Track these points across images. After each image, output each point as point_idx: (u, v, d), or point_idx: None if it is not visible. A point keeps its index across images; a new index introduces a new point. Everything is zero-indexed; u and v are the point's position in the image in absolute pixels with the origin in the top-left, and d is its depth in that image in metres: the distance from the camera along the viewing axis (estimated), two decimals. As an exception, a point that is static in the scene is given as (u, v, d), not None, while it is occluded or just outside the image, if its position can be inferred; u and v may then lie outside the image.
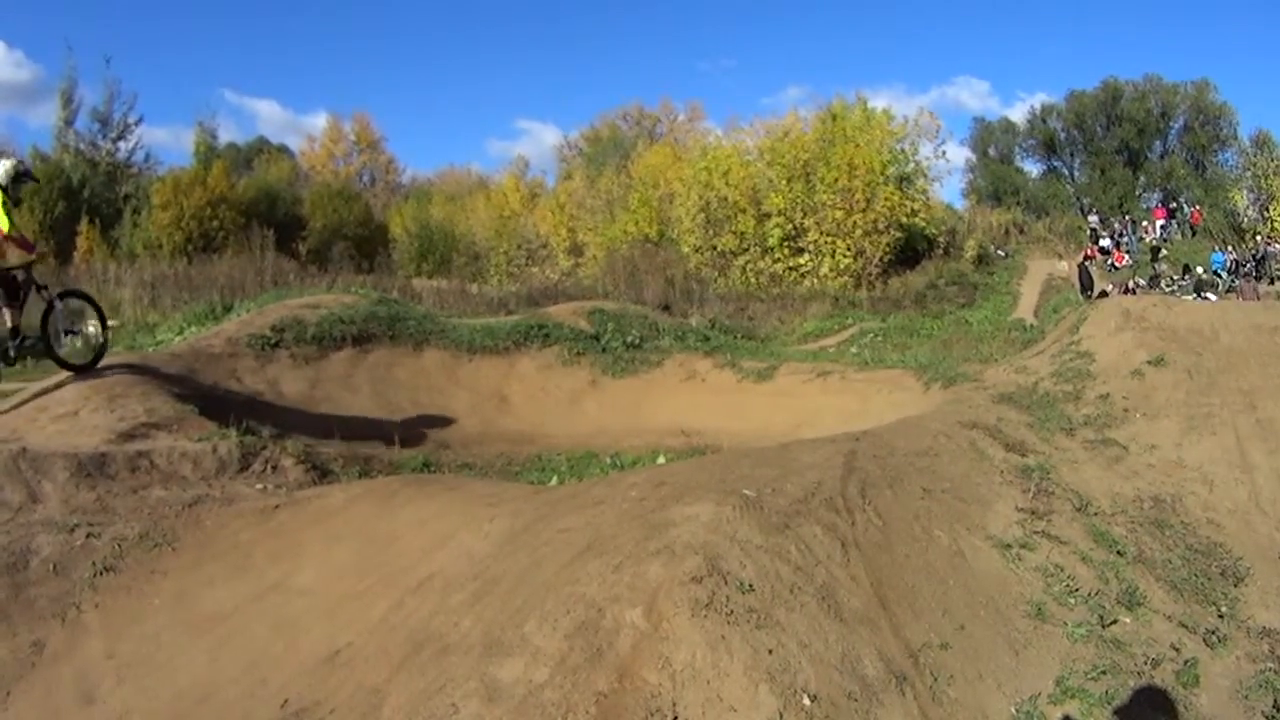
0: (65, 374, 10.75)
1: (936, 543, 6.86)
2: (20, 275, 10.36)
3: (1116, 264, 35.09)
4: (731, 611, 4.93)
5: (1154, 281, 30.92)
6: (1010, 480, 8.75)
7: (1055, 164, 54.42)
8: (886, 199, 33.61)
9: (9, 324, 10.20)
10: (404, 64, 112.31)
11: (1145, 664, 6.24)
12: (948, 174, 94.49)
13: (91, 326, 11.36)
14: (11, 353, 10.31)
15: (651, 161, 44.70)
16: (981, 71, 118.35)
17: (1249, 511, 9.47)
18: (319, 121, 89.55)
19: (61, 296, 10.94)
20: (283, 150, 63.61)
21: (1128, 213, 44.42)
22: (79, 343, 11.21)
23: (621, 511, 6.40)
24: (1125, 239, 38.71)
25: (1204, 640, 6.91)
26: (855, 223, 33.37)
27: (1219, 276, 30.84)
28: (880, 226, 33.66)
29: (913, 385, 14.62)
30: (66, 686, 6.19)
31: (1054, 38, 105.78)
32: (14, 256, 10.27)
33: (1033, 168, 55.61)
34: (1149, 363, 12.33)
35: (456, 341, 15.83)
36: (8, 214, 10.13)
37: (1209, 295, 26.24)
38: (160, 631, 6.66)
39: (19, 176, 10.51)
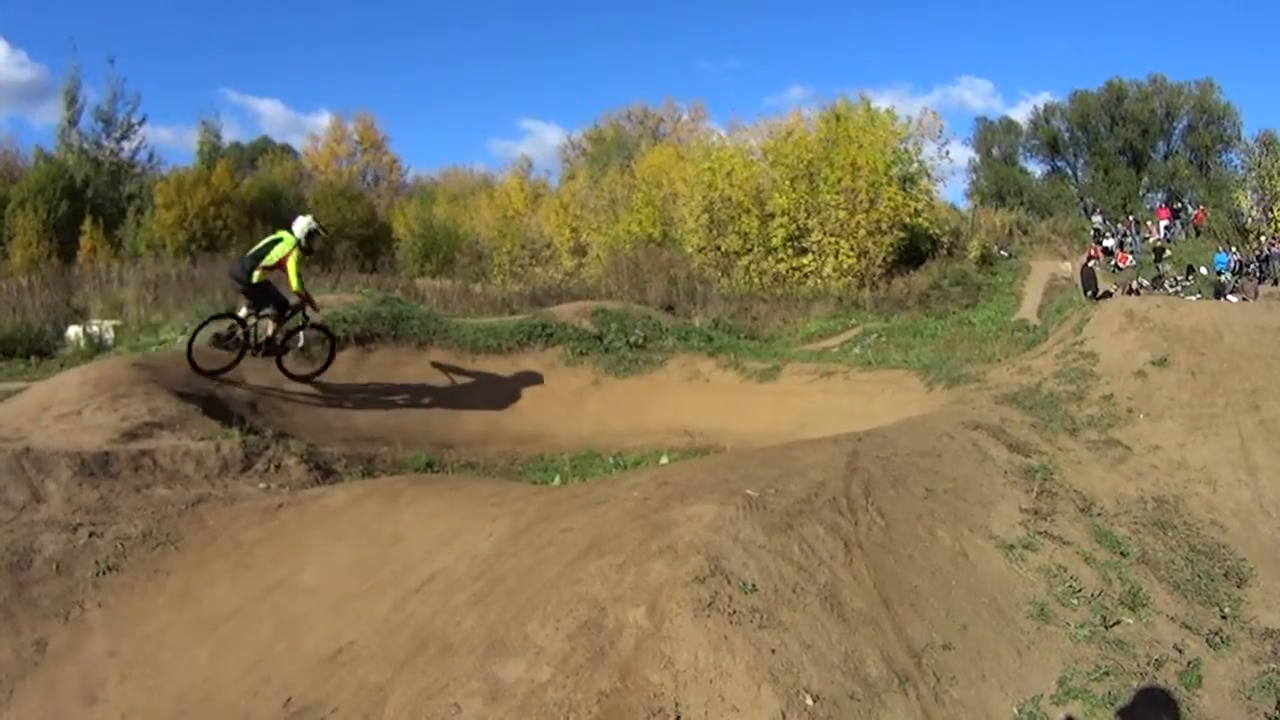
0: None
1: (939, 543, 6.86)
2: (293, 307, 12.81)
3: (1120, 265, 35.05)
4: (734, 611, 4.94)
5: (1157, 282, 30.87)
6: (1013, 480, 8.76)
7: (1059, 164, 54.42)
8: (890, 199, 33.52)
9: (269, 332, 12.64)
10: (407, 63, 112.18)
11: (1148, 665, 6.24)
12: (951, 174, 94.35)
13: (318, 352, 13.57)
14: (260, 351, 12.67)
15: (655, 161, 44.59)
16: (985, 71, 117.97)
17: (1252, 512, 9.47)
18: (322, 121, 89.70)
19: (312, 326, 13.18)
20: (286, 150, 63.60)
21: (1131, 213, 44.31)
22: (305, 363, 13.39)
23: (624, 511, 6.40)
24: (1129, 239, 38.66)
25: (1207, 641, 6.91)
26: (859, 223, 33.28)
27: (1221, 277, 30.81)
28: (884, 227, 33.56)
29: (916, 386, 14.61)
30: (69, 685, 6.20)
31: (1058, 38, 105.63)
32: (294, 299, 12.70)
33: (1036, 168, 55.62)
34: (1152, 363, 12.33)
35: (460, 341, 15.81)
36: (299, 275, 12.45)
37: (1230, 297, 26.19)
38: (163, 630, 6.66)
39: (312, 234, 12.78)
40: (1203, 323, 13.43)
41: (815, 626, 5.10)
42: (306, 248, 12.71)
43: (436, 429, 13.59)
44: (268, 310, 12.59)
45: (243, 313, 12.56)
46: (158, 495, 8.52)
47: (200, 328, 12.72)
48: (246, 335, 12.53)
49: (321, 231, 13.14)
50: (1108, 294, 24.61)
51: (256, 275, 12.30)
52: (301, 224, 12.73)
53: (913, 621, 5.63)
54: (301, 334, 13.06)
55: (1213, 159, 48.26)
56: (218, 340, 12.55)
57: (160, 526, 7.76)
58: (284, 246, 12.44)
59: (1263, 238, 35.23)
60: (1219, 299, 26.02)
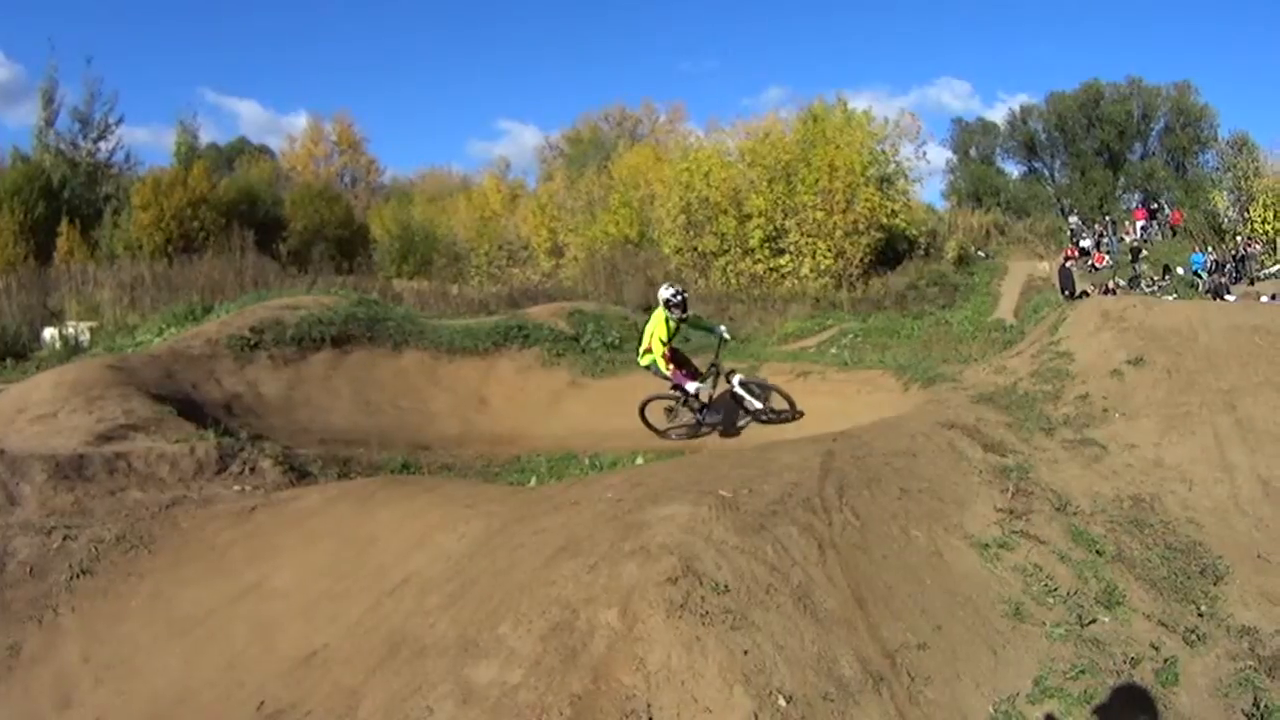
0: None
1: (914, 543, 6.87)
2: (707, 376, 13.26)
3: (1096, 265, 35.32)
4: (707, 612, 4.93)
5: (1134, 282, 31.12)
6: (989, 480, 8.76)
7: (1036, 165, 54.71)
8: (867, 200, 33.72)
9: (694, 406, 13.30)
10: (385, 64, 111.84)
11: (1124, 663, 6.25)
12: (928, 175, 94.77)
13: (775, 398, 13.46)
14: (706, 417, 13.46)
15: (632, 162, 44.72)
16: (963, 72, 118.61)
17: (1228, 510, 9.47)
18: (300, 122, 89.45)
19: (743, 384, 13.24)
20: (263, 151, 63.48)
21: (1108, 214, 44.67)
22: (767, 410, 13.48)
23: (597, 512, 6.39)
24: (1105, 240, 38.92)
25: (1183, 639, 6.93)
26: (836, 224, 33.46)
27: (1199, 277, 31.06)
28: (861, 227, 33.77)
29: (892, 385, 14.61)
30: (43, 689, 6.17)
31: (1036, 39, 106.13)
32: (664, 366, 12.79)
33: (1013, 169, 55.92)
34: (1128, 363, 12.35)
35: (436, 342, 15.78)
36: (661, 355, 12.62)
37: (1228, 297, 26.36)
38: (137, 634, 6.63)
39: (667, 302, 12.65)
40: (1179, 322, 13.44)
41: (788, 627, 5.09)
42: (680, 317, 12.79)
43: (412, 430, 13.57)
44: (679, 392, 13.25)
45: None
46: (132, 498, 8.47)
47: (651, 400, 13.60)
48: (689, 405, 13.40)
49: (679, 295, 12.89)
50: (1084, 294, 24.82)
51: (642, 360, 12.99)
52: (661, 293, 12.88)
53: (887, 621, 5.63)
54: (744, 394, 13.30)
55: (1189, 160, 48.55)
56: (669, 413, 13.63)
57: (134, 529, 7.72)
58: (650, 325, 12.84)
59: (1238, 238, 35.50)
60: (1217, 299, 26.19)
